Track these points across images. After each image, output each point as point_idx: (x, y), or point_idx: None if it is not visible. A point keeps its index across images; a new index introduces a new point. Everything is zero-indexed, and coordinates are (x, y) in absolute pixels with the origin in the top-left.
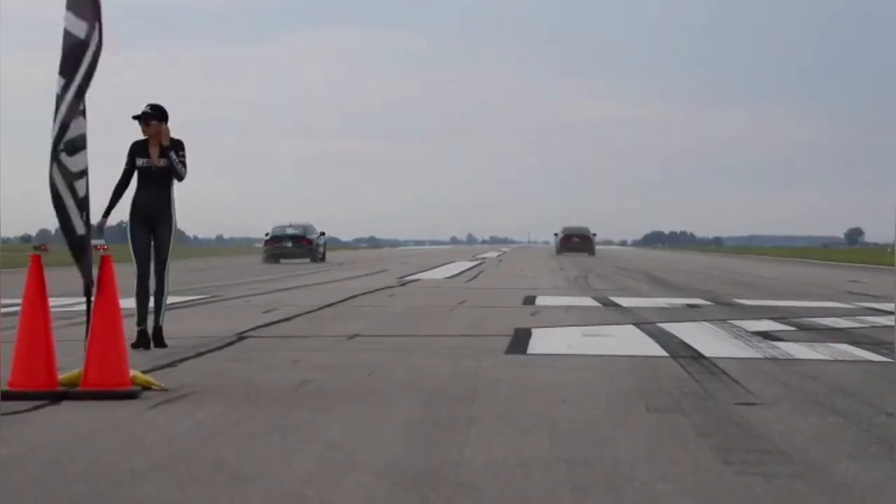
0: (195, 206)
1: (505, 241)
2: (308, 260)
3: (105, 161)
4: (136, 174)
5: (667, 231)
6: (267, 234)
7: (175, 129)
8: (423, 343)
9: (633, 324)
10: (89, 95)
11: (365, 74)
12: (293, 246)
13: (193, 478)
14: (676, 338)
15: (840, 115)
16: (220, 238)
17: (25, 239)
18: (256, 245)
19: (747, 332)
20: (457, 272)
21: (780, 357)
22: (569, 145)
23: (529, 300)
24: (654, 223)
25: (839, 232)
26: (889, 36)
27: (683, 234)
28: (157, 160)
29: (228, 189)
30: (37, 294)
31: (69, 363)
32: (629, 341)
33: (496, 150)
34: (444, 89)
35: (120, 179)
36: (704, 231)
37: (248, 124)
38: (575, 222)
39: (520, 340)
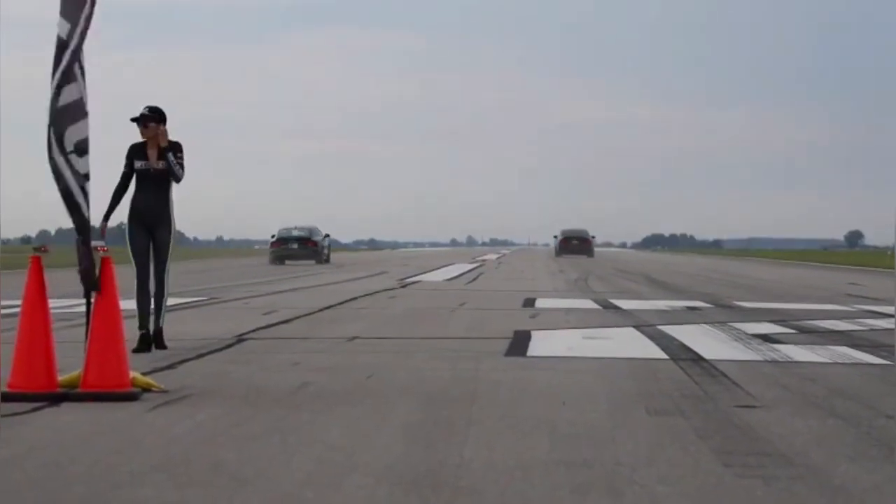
0: (195, 208)
1: (505, 243)
2: (313, 261)
3: (106, 162)
4: (134, 176)
5: (666, 233)
6: (273, 236)
7: (175, 129)
8: (423, 345)
9: (633, 326)
10: (91, 98)
11: (364, 75)
12: (298, 248)
13: (193, 479)
14: (676, 340)
15: (840, 118)
16: (220, 239)
17: (25, 240)
18: (256, 247)
19: (747, 334)
20: (457, 274)
21: (780, 360)
22: (569, 147)
23: (529, 302)
24: (654, 225)
25: (839, 234)
26: (889, 37)
27: (683, 236)
28: (155, 162)
29: (228, 190)
30: (37, 295)
31: (69, 365)
32: (629, 344)
33: (496, 151)
34: (444, 90)
35: (119, 182)
36: (704, 233)
37: (248, 125)
38: (575, 224)
39: (520, 343)
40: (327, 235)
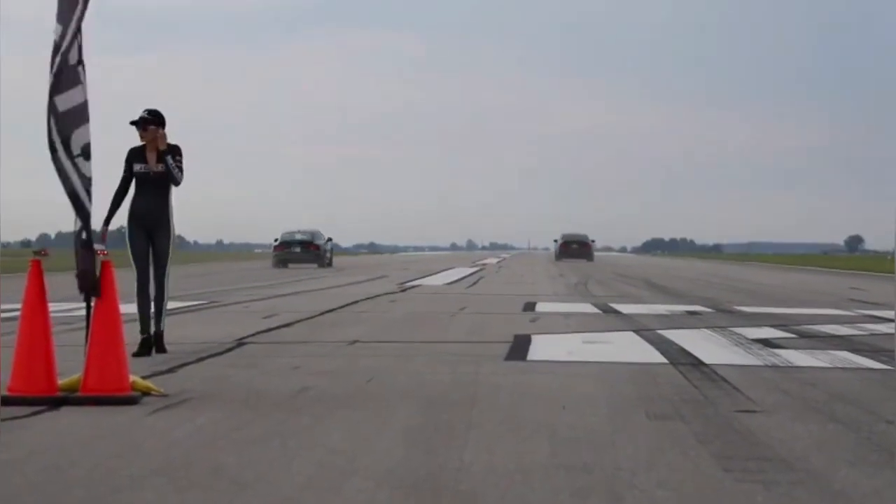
0: (195, 211)
1: (505, 248)
2: (315, 265)
3: (106, 166)
4: (133, 180)
5: (666, 237)
6: (276, 240)
7: (175, 133)
8: (424, 349)
9: (633, 330)
10: (91, 101)
11: (365, 78)
12: (301, 251)
13: (193, 483)
14: (676, 345)
15: (840, 121)
16: (220, 243)
17: (25, 244)
18: (257, 251)
19: (747, 339)
20: (457, 278)
21: (781, 364)
22: (569, 150)
23: (529, 306)
24: (654, 229)
25: (839, 239)
26: (889, 41)
27: (683, 240)
28: (154, 165)
29: (228, 194)
30: (37, 299)
31: (69, 368)
32: (629, 348)
33: (496, 155)
34: (445, 93)
35: (119, 187)
36: (704, 238)
37: (248, 128)
38: (575, 228)
39: (520, 347)
40: (329, 239)
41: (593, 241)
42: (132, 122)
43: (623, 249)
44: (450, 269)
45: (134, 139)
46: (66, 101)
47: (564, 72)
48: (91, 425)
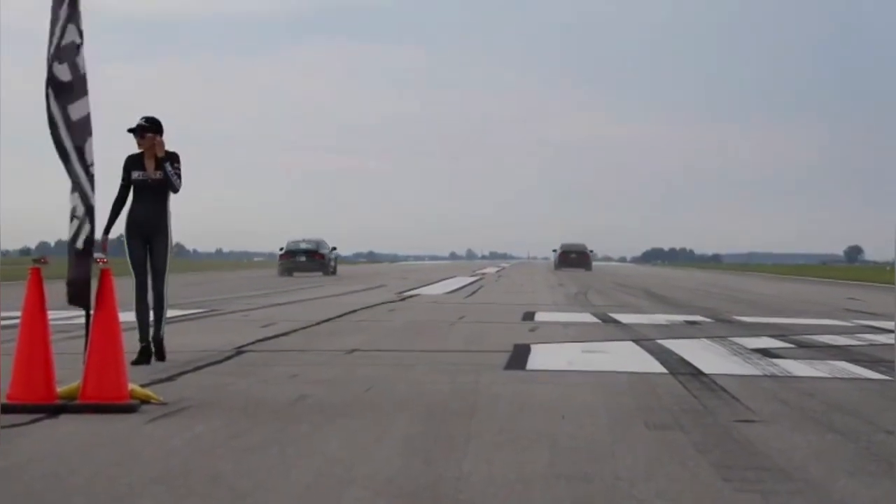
0: (195, 220)
1: (504, 257)
2: (320, 273)
3: (105, 174)
4: (131, 188)
5: (666, 248)
6: (281, 249)
7: (174, 142)
8: (423, 358)
9: (633, 340)
10: (93, 104)
11: (364, 88)
12: (306, 260)
13: (191, 491)
14: (676, 354)
15: (840, 133)
16: (219, 252)
17: (25, 251)
18: (256, 259)
19: (746, 349)
20: (456, 287)
21: (779, 374)
22: (569, 161)
23: (529, 316)
24: (654, 240)
25: (838, 250)
26: (888, 53)
27: (682, 250)
28: (152, 172)
29: (228, 203)
30: (36, 307)
31: (68, 376)
32: (628, 358)
33: (496, 165)
34: (444, 104)
35: (117, 195)
36: (703, 248)
37: (247, 138)
38: (574, 239)
39: (519, 356)
40: (334, 248)
41: (592, 251)
42: (129, 130)
43: (623, 259)
44: (449, 278)
45: (131, 147)
46: (78, 111)
47: (565, 82)
48: (90, 433)
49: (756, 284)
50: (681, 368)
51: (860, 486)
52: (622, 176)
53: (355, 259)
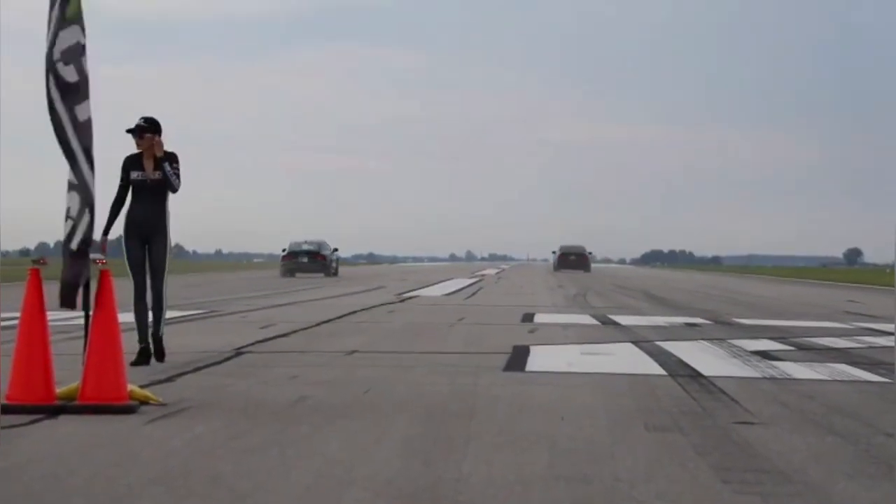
0: (194, 221)
1: (504, 259)
2: (322, 274)
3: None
4: (130, 188)
5: (666, 249)
6: (284, 250)
7: (175, 143)
8: (422, 360)
9: (632, 342)
10: (93, 107)
11: (364, 90)
12: (308, 261)
13: (191, 492)
14: (675, 356)
15: (839, 135)
16: (219, 253)
17: (24, 252)
18: (256, 260)
19: (746, 351)
20: (456, 289)
21: (779, 376)
22: (568, 163)
23: (528, 318)
24: (653, 241)
25: (838, 252)
26: (887, 55)
27: (682, 252)
28: (151, 173)
29: (228, 204)
30: (35, 308)
31: (67, 377)
32: (628, 359)
33: (496, 166)
34: (444, 106)
35: (116, 195)
36: (703, 250)
37: (248, 139)
38: (574, 240)
39: (518, 358)
40: (336, 249)
41: (590, 253)
42: (128, 131)
43: (622, 261)
44: (448, 279)
45: (126, 148)
46: (84, 112)
47: (564, 84)
48: (89, 434)
49: (755, 287)
50: (680, 370)
51: (859, 489)
52: (622, 177)
53: (355, 260)
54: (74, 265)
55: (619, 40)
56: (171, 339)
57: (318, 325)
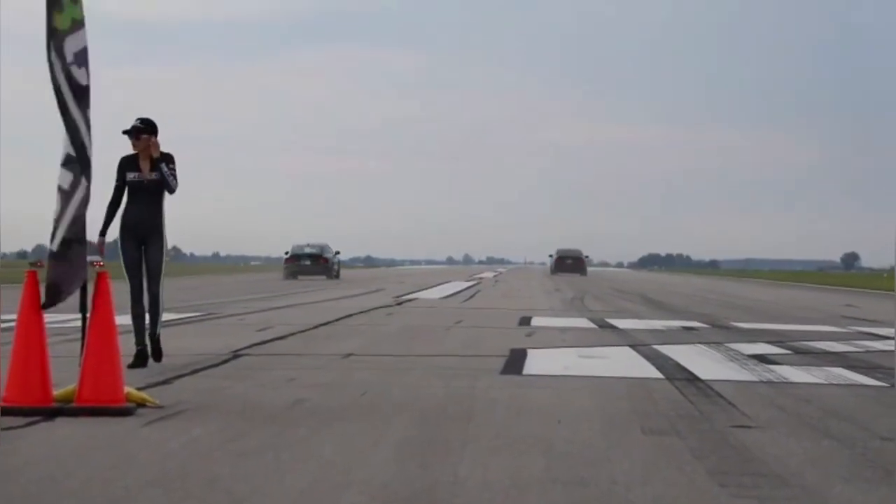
0: (192, 223)
1: (502, 262)
2: (324, 277)
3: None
4: (125, 189)
5: (663, 253)
6: (287, 253)
7: (174, 145)
8: (419, 363)
9: (629, 346)
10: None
11: (363, 92)
12: (311, 264)
13: (188, 495)
14: (672, 360)
15: (837, 139)
16: (216, 255)
17: (21, 254)
18: (253, 263)
19: (743, 354)
20: (453, 292)
21: (776, 380)
22: (566, 166)
23: (525, 321)
24: (651, 245)
25: (835, 256)
26: (886, 60)
27: (680, 256)
28: (148, 174)
29: (226, 206)
30: (32, 310)
31: (64, 379)
32: (625, 363)
33: (494, 170)
34: (443, 108)
35: (112, 196)
36: (701, 254)
37: (247, 141)
38: (572, 244)
39: (515, 361)
40: (337, 252)
41: (587, 257)
42: (124, 132)
43: (619, 265)
44: (446, 282)
45: (124, 149)
46: (90, 115)
47: (563, 87)
48: (86, 436)
49: (753, 290)
50: (677, 374)
51: (856, 493)
52: (620, 179)
53: (353, 263)
54: (52, 266)
55: (619, 40)
56: (169, 341)
57: (315, 327)
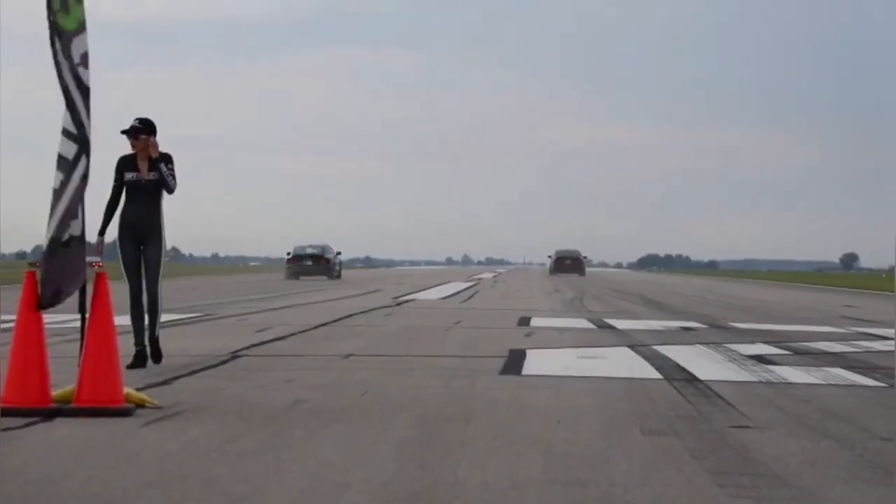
0: (191, 224)
1: (501, 263)
2: (326, 277)
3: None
4: (124, 189)
5: (662, 254)
6: (288, 254)
7: (173, 146)
8: (418, 363)
9: (628, 346)
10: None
11: (363, 93)
12: (313, 264)
13: (187, 495)
14: (671, 360)
15: (836, 140)
16: (215, 256)
17: (21, 255)
18: (252, 263)
19: (742, 355)
20: (452, 293)
21: (775, 381)
22: (566, 167)
23: (524, 321)
24: (650, 246)
25: (834, 257)
26: (886, 60)
27: (679, 257)
28: (146, 174)
29: (225, 207)
30: (31, 310)
31: (63, 380)
32: (624, 363)
33: (493, 171)
34: (442, 109)
35: (111, 196)
36: (700, 254)
37: (246, 142)
38: (571, 244)
39: (514, 361)
40: (339, 253)
41: (586, 258)
42: (123, 132)
43: (619, 265)
44: (445, 283)
45: (122, 149)
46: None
47: (563, 87)
48: (85, 437)
49: (752, 291)
50: (676, 374)
51: (855, 494)
52: (619, 180)
53: (352, 264)
54: (44, 265)
55: (619, 40)
56: (168, 342)
57: (314, 328)
